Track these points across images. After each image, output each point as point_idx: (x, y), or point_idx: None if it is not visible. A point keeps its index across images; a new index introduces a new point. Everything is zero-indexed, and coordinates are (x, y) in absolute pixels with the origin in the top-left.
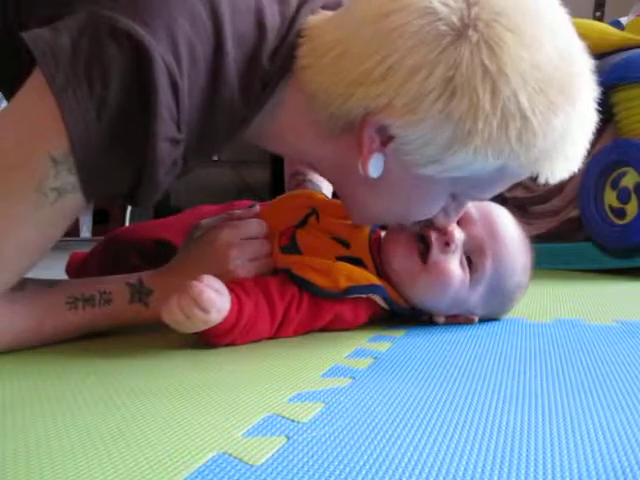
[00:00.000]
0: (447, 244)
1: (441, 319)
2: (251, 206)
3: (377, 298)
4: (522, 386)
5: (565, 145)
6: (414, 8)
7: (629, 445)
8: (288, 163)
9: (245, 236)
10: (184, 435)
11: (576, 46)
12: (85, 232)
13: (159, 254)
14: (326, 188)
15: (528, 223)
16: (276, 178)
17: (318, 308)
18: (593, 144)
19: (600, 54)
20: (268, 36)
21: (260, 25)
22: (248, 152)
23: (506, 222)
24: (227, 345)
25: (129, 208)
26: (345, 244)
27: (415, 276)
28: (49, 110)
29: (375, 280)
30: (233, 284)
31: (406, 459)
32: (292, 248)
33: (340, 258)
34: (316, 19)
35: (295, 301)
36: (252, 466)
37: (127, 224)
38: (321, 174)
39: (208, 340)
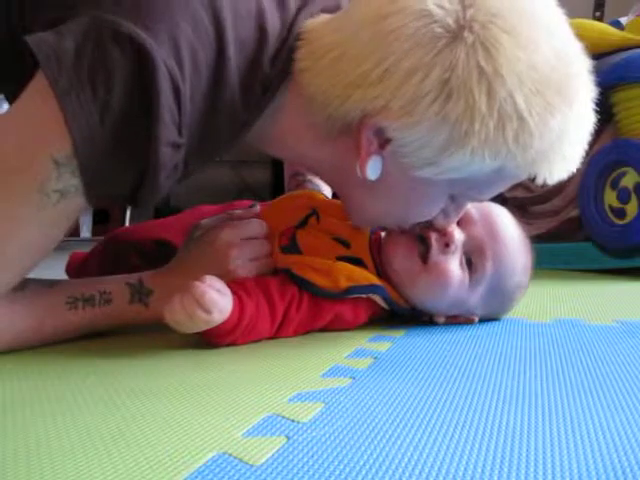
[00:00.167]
0: (447, 245)
1: (441, 319)
2: (251, 206)
3: (377, 298)
4: (522, 386)
5: (562, 146)
6: (411, 10)
7: (629, 445)
8: (288, 164)
9: (245, 236)
10: (184, 435)
11: (573, 47)
12: (85, 232)
13: (159, 254)
14: (326, 189)
15: (528, 223)
16: (276, 178)
17: (318, 308)
18: (593, 144)
19: (600, 54)
20: (269, 40)
21: (261, 29)
22: (248, 152)
23: (506, 222)
24: (228, 345)
25: (129, 208)
26: (345, 244)
27: (415, 277)
28: (52, 113)
29: (375, 280)
30: (234, 284)
31: (406, 459)
32: (292, 248)
33: (340, 258)
34: (314, 22)
35: (295, 301)
36: (252, 466)
37: (127, 224)
38: (320, 177)
39: (209, 340)
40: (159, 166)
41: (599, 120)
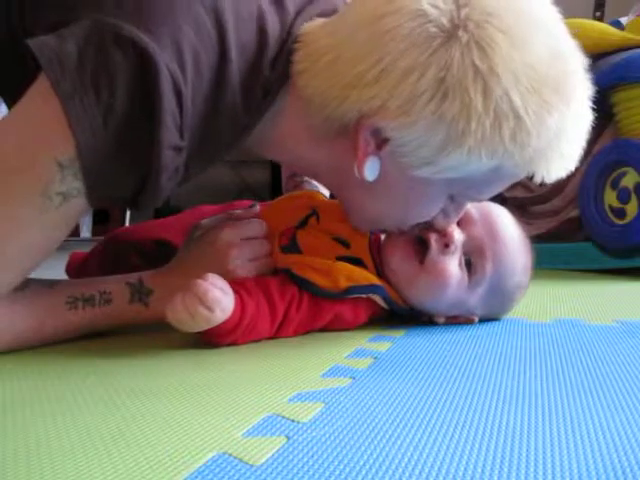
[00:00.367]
0: (447, 245)
1: (441, 320)
2: (251, 206)
3: (377, 298)
4: (522, 386)
5: (560, 144)
6: (406, 11)
7: (629, 445)
8: (286, 165)
9: (245, 236)
10: (184, 435)
11: (569, 45)
12: (85, 232)
13: (159, 254)
14: (323, 190)
15: (528, 223)
16: (276, 178)
17: (318, 308)
18: (593, 144)
19: (600, 54)
20: (269, 43)
21: (262, 32)
22: (248, 152)
23: (506, 222)
24: (228, 345)
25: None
26: (345, 244)
27: (414, 277)
28: (54, 115)
29: (375, 280)
30: (235, 284)
31: (406, 459)
32: (292, 248)
33: (340, 258)
34: (311, 25)
35: (295, 301)
36: (252, 466)
37: (127, 224)
38: (319, 180)
39: (210, 340)
40: (161, 170)
41: (599, 120)
